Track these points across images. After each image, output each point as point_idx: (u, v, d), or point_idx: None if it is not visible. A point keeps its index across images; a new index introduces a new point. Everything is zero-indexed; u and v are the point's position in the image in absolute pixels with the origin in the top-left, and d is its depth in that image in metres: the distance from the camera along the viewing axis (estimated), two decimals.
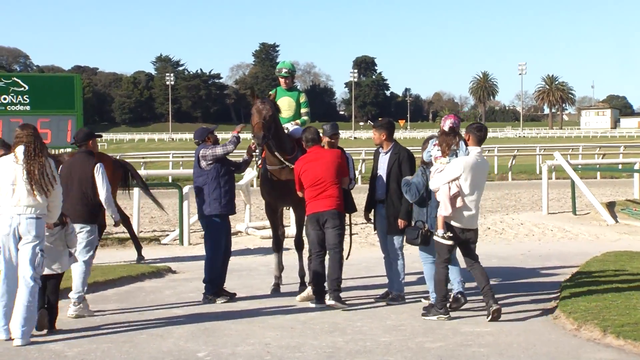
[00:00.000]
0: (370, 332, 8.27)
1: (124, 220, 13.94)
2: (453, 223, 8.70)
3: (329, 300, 9.40)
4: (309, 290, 9.98)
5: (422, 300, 9.67)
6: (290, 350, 7.56)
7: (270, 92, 10.81)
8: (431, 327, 8.40)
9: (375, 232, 10.30)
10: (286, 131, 10.79)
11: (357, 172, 10.01)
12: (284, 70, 11.36)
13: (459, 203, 8.62)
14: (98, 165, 9.28)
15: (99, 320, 9.02)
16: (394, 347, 7.65)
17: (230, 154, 10.21)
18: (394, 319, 8.84)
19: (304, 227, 10.28)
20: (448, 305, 8.90)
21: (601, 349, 7.42)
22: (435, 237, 8.80)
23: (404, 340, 7.90)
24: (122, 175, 13.99)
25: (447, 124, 8.93)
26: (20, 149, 8.05)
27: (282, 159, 10.31)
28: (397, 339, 7.95)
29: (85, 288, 9.33)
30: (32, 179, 7.94)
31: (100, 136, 10.19)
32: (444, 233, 8.68)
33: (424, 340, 7.88)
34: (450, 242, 8.72)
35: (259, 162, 10.69)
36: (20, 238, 7.97)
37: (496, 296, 8.79)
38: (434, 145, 8.94)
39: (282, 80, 11.35)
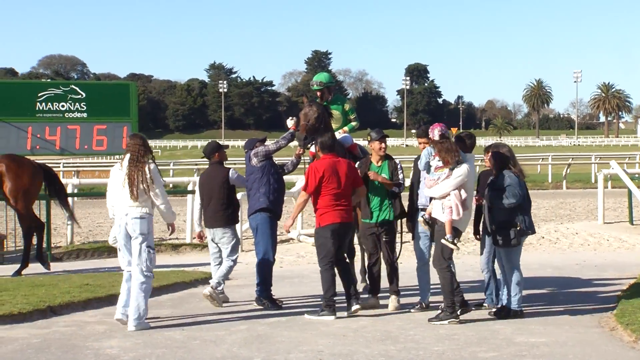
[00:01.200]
0: (423, 341, 8.22)
1: (37, 227, 13.88)
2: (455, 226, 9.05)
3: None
4: (370, 299, 10.00)
5: (473, 308, 9.60)
6: (342, 358, 7.56)
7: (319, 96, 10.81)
8: (485, 337, 8.32)
9: (412, 240, 10.10)
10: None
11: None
12: (315, 84, 11.07)
13: (463, 207, 9.00)
14: (230, 171, 10.48)
15: (154, 325, 9.12)
16: (447, 356, 7.60)
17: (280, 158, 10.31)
18: (447, 328, 8.78)
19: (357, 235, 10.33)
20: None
21: None
22: (443, 241, 8.99)
23: (457, 349, 7.84)
24: (45, 180, 13.81)
25: (435, 133, 9.10)
26: (127, 157, 9.11)
27: None
28: (450, 348, 7.89)
29: (225, 281, 10.45)
30: (132, 183, 8.94)
31: (227, 147, 11.09)
32: (454, 238, 8.98)
33: (478, 350, 7.81)
34: (456, 247, 9.02)
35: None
36: (130, 236, 9.03)
37: (554, 306, 8.75)
38: (433, 156, 9.12)
39: (318, 94, 11.13)
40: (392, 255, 9.92)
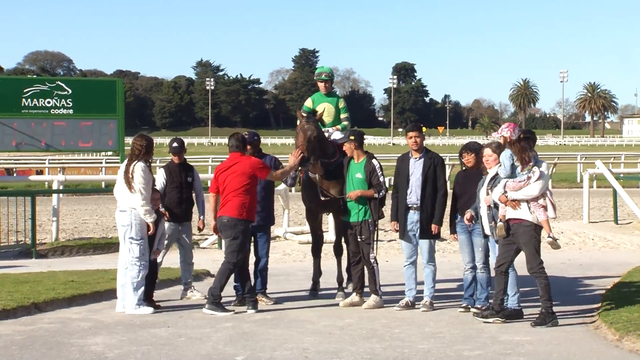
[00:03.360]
0: (409, 339, 8.24)
1: None
2: None
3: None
4: (352, 296, 10.01)
5: (460, 309, 9.63)
6: (328, 356, 7.56)
7: (316, 110, 10.67)
8: (470, 335, 8.35)
9: (398, 239, 10.09)
10: (326, 134, 10.80)
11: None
12: (324, 75, 11.37)
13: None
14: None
15: (139, 322, 9.10)
16: (432, 354, 7.61)
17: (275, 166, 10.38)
18: (432, 326, 8.80)
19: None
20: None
21: None
22: (549, 240, 9.01)
23: (442, 347, 7.86)
24: None
25: (515, 132, 8.89)
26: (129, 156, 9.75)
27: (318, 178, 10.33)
28: (435, 346, 7.91)
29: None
30: (121, 179, 9.66)
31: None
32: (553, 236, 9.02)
33: (463, 348, 7.83)
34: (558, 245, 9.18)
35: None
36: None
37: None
38: (513, 157, 8.82)
39: (321, 85, 11.33)
40: (367, 255, 9.92)
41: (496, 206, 9.06)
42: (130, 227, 9.58)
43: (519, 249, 8.93)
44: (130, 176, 9.54)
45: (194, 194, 10.82)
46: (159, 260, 10.31)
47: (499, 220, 8.97)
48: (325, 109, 10.93)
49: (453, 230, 9.87)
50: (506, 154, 8.86)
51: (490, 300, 9.26)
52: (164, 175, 10.58)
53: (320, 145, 10.21)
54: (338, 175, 10.27)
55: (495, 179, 9.14)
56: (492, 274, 9.38)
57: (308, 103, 11.18)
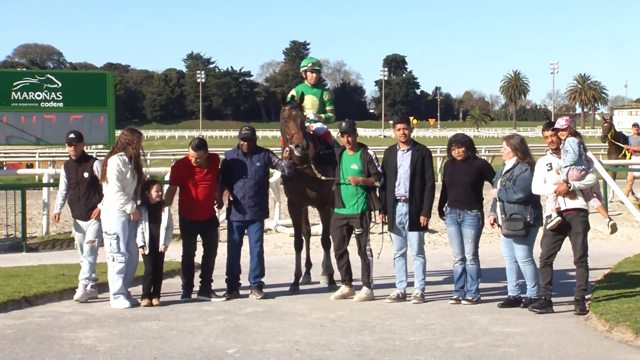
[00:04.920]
0: (400, 331, 8.25)
1: None
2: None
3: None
4: (343, 288, 10.01)
5: (451, 301, 9.64)
6: (319, 348, 7.57)
7: (294, 95, 10.70)
8: (461, 327, 8.37)
9: (389, 231, 10.03)
10: (307, 123, 10.79)
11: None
12: (316, 65, 11.38)
13: None
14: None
15: (130, 315, 9.10)
16: (424, 346, 7.63)
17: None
18: (423, 318, 8.82)
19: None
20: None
21: (633, 350, 7.35)
22: (611, 224, 9.49)
23: (433, 339, 7.87)
24: None
25: (573, 124, 9.18)
26: None
27: (308, 159, 10.30)
28: (426, 338, 7.93)
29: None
30: (102, 172, 9.85)
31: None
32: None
33: (454, 339, 7.85)
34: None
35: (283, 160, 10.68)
36: None
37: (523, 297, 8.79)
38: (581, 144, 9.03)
39: (312, 75, 11.27)
40: (364, 247, 9.93)
41: (501, 200, 9.28)
42: (103, 220, 9.74)
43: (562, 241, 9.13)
44: (104, 169, 9.71)
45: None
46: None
47: (552, 213, 9.05)
48: (310, 100, 10.94)
49: (442, 214, 9.82)
50: (574, 140, 9.00)
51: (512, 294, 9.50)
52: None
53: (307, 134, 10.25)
54: (324, 163, 10.22)
55: (509, 171, 9.25)
56: (495, 265, 9.50)
57: (297, 95, 11.14)
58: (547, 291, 9.09)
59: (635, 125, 22.60)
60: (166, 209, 9.85)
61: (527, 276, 9.36)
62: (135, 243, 9.74)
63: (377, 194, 9.91)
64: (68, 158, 10.49)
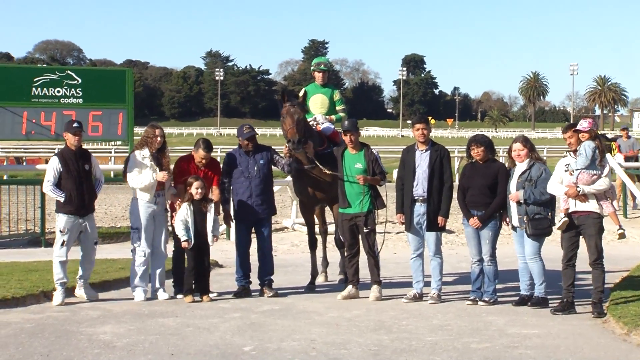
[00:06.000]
0: (416, 331, 8.24)
1: None
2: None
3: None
4: (350, 289, 10.00)
5: (468, 301, 9.62)
6: (335, 347, 7.57)
7: (300, 94, 10.75)
8: (477, 328, 8.35)
9: (404, 231, 10.06)
10: (314, 122, 10.80)
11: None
12: (323, 65, 11.38)
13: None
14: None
15: (147, 312, 9.14)
16: (440, 346, 7.62)
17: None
18: (440, 319, 8.81)
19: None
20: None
21: None
22: (620, 232, 9.51)
23: (450, 340, 7.86)
24: None
25: (595, 127, 9.11)
26: None
27: (312, 158, 10.26)
28: (443, 338, 7.91)
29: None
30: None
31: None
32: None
33: (470, 340, 7.83)
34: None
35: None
36: None
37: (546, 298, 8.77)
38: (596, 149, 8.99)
39: (318, 75, 11.29)
40: (372, 245, 9.92)
41: (526, 202, 9.25)
42: (130, 215, 10.08)
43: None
44: (125, 163, 10.06)
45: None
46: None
47: (561, 214, 9.08)
48: (320, 100, 10.95)
49: (469, 216, 9.65)
50: (590, 144, 8.96)
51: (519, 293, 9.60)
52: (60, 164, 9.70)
53: (307, 132, 10.21)
54: (330, 162, 10.20)
55: (525, 172, 9.24)
56: (513, 267, 9.54)
57: (301, 94, 11.12)
58: (569, 293, 9.08)
59: (624, 129, 22.48)
60: (212, 204, 9.88)
61: (535, 273, 9.40)
62: (162, 240, 9.96)
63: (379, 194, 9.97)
64: (63, 147, 9.99)
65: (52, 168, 9.66)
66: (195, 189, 9.73)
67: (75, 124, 9.77)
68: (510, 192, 9.41)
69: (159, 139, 9.92)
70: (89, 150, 10.15)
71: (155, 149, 9.90)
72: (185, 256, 9.88)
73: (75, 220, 9.64)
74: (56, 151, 11.65)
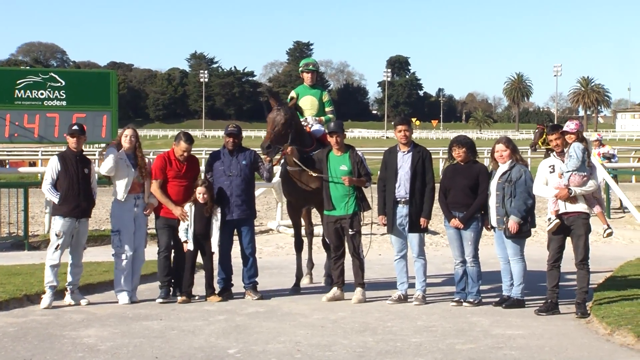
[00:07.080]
0: (401, 332, 8.25)
1: None
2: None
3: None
4: (335, 291, 10.00)
5: (453, 303, 9.64)
6: (320, 349, 7.57)
7: (292, 96, 10.76)
8: (462, 329, 8.37)
9: (388, 233, 10.04)
10: (305, 123, 10.81)
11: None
12: (311, 65, 11.42)
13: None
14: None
15: (131, 315, 9.10)
16: (425, 348, 7.63)
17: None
18: (425, 320, 8.82)
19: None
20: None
21: (634, 354, 7.34)
22: (608, 232, 9.60)
23: (434, 341, 7.87)
24: None
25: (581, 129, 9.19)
26: None
27: (299, 162, 10.26)
28: (427, 340, 7.93)
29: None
30: None
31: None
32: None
33: (455, 341, 7.85)
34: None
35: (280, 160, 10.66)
36: None
37: (531, 299, 8.78)
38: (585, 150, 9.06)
39: (307, 76, 11.33)
40: (357, 248, 9.92)
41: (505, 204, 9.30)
42: (110, 217, 10.13)
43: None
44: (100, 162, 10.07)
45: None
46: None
47: (551, 216, 9.11)
48: (309, 101, 10.96)
49: (451, 216, 9.64)
50: (580, 146, 9.00)
51: (504, 294, 9.59)
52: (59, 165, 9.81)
53: (296, 134, 10.21)
54: (313, 163, 10.20)
55: (506, 173, 9.26)
56: (497, 268, 9.55)
57: (292, 96, 11.12)
58: (554, 294, 9.13)
59: (597, 140, 22.36)
60: (218, 209, 9.88)
61: (515, 274, 9.44)
62: (141, 242, 9.94)
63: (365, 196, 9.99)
64: (64, 150, 10.13)
65: (50, 168, 9.77)
66: (197, 193, 9.80)
67: (74, 127, 9.89)
68: (490, 193, 9.43)
69: (128, 138, 9.89)
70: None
71: (127, 148, 9.85)
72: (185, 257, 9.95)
73: (72, 223, 9.63)
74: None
